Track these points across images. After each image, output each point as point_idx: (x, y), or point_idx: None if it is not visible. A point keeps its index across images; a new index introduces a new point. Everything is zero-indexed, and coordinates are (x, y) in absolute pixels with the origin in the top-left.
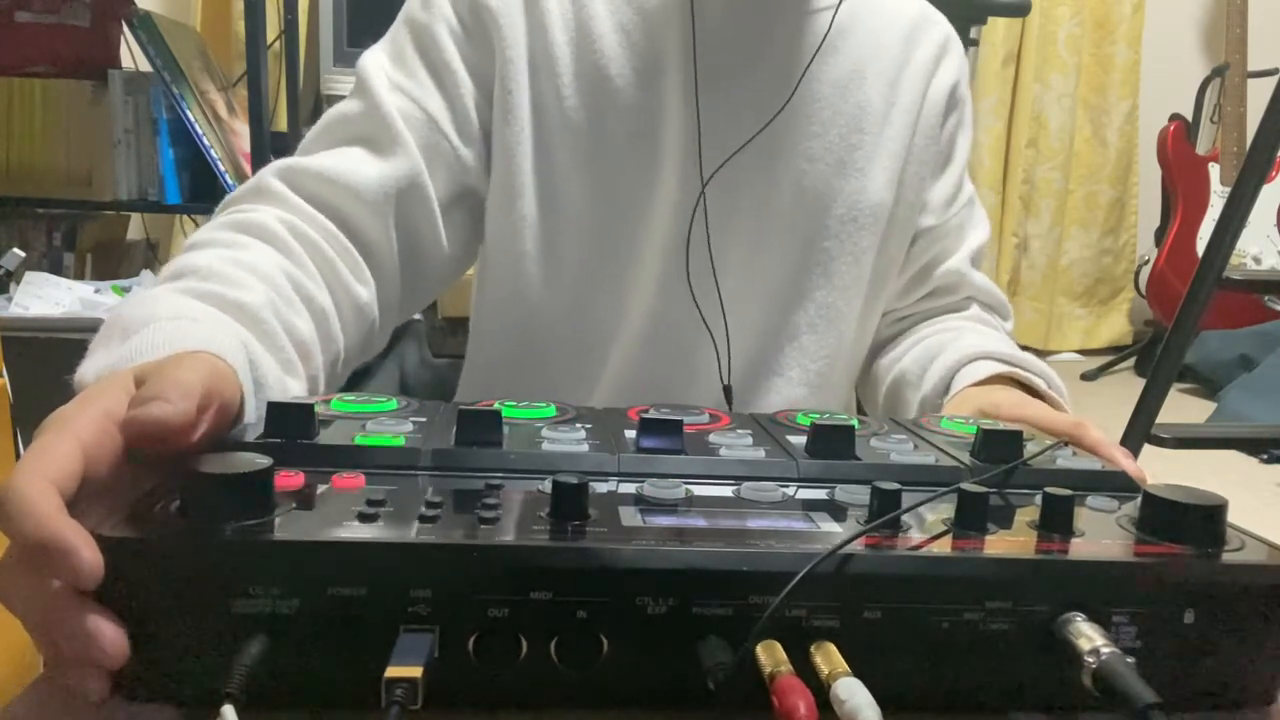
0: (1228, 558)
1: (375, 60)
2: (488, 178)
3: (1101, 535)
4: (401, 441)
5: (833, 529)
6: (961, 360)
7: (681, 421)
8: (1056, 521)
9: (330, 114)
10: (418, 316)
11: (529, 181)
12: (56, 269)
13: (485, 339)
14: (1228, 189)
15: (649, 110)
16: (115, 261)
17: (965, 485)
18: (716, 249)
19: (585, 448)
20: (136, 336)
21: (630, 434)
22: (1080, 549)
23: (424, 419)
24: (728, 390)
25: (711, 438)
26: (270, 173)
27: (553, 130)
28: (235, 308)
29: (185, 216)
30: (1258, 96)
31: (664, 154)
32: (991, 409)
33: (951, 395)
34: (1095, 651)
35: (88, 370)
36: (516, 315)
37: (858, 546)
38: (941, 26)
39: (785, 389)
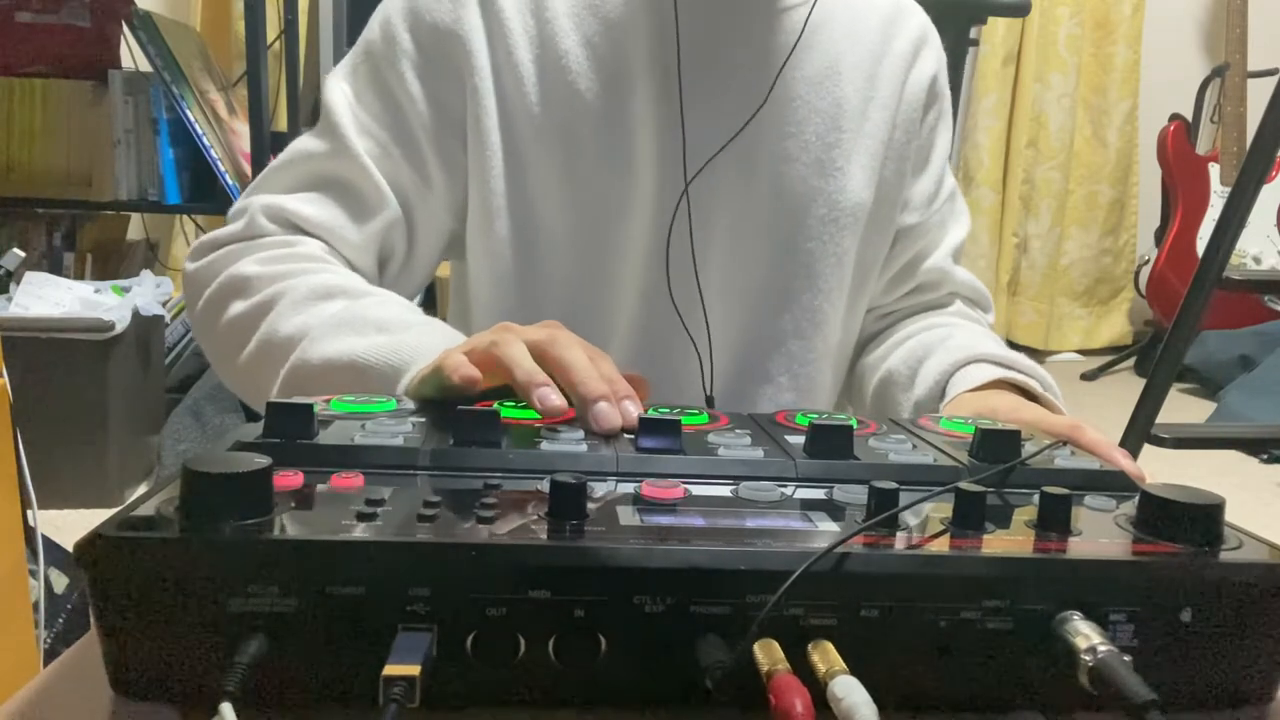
0: (1225, 556)
1: (341, 93)
2: (462, 206)
3: (1099, 534)
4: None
5: (831, 528)
6: (955, 364)
7: (680, 421)
8: (1054, 521)
9: (297, 149)
10: None
11: (503, 203)
12: (56, 269)
13: None
14: (1228, 189)
15: (619, 120)
16: (115, 261)
17: (963, 484)
18: (697, 256)
19: (584, 447)
20: (405, 332)
21: (629, 434)
22: (1078, 548)
23: (423, 419)
24: (710, 401)
25: (710, 438)
26: (259, 213)
27: (524, 148)
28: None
29: (185, 216)
30: (1258, 96)
31: (638, 163)
32: (989, 413)
33: (947, 400)
34: (1092, 650)
35: (344, 349)
36: None
37: (855, 545)
38: (918, 17)
39: (774, 394)
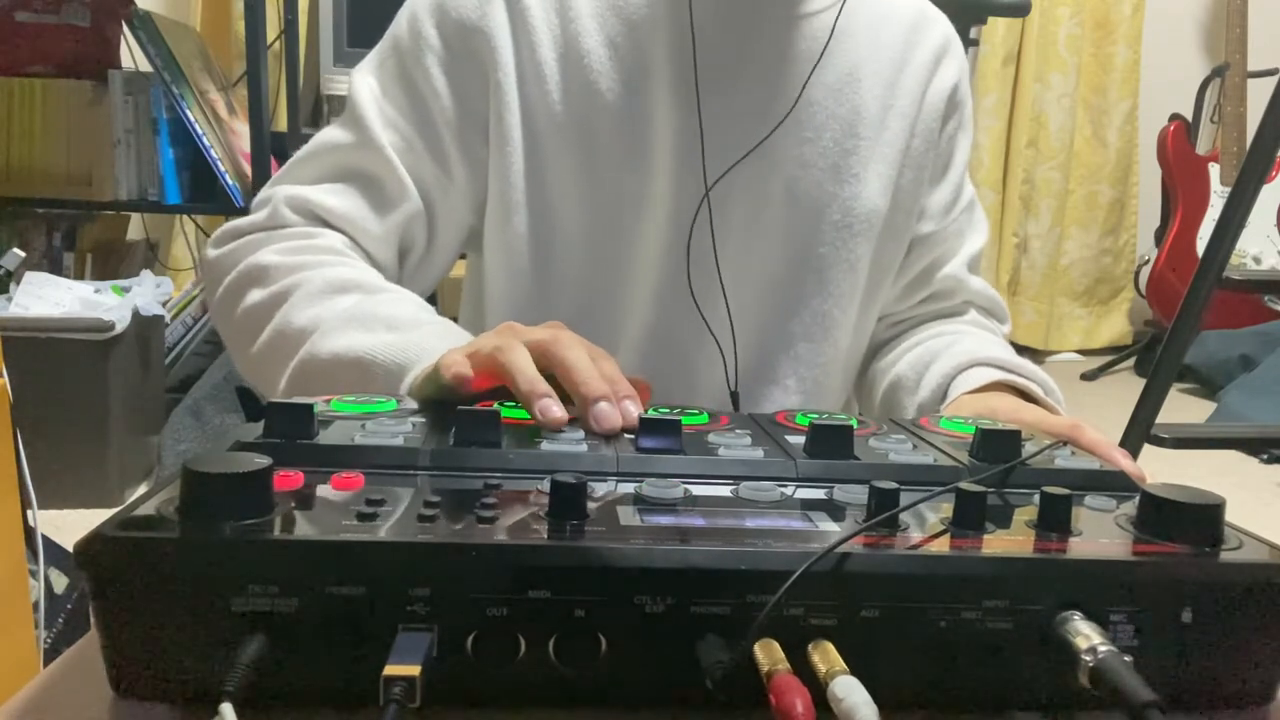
0: (1225, 557)
1: (367, 87)
2: (482, 201)
3: (1099, 534)
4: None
5: (831, 528)
6: (958, 367)
7: (680, 421)
8: (1054, 521)
9: (322, 141)
10: None
11: (521, 199)
12: (56, 269)
13: None
14: (1228, 189)
15: (639, 119)
16: (115, 261)
17: (963, 484)
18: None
19: (584, 447)
20: (414, 331)
21: (629, 434)
22: (1078, 548)
23: (423, 419)
24: (735, 396)
25: (710, 438)
26: (283, 204)
27: (544, 145)
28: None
29: (185, 216)
30: (1258, 96)
31: (656, 163)
32: (989, 414)
33: (948, 402)
34: (1093, 650)
35: (352, 345)
36: None
37: (855, 545)
38: (941, 26)
39: (781, 397)
